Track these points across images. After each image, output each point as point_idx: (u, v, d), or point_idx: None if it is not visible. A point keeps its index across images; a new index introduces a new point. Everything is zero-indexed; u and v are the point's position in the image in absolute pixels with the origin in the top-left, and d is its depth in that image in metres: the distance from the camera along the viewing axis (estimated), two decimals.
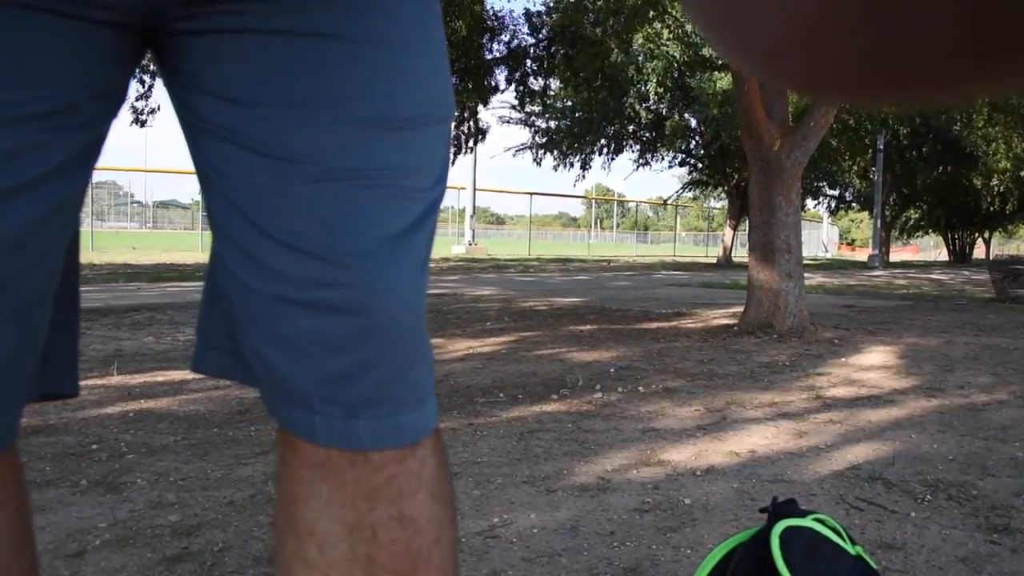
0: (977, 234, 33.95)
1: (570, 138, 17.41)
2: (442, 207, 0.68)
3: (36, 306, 0.60)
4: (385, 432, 0.61)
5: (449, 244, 23.00)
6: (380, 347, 0.60)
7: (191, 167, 0.65)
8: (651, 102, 16.04)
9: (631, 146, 18.41)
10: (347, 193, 0.59)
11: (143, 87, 9.74)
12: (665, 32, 12.50)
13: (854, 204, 28.89)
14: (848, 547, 0.94)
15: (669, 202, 27.54)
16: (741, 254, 18.16)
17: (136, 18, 0.58)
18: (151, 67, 8.51)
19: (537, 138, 17.77)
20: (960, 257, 32.55)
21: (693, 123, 17.73)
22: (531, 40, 11.17)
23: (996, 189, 23.23)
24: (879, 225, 21.25)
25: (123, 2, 0.57)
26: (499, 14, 11.10)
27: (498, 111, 37.35)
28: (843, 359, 4.25)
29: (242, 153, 0.59)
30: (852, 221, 55.85)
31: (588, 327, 5.47)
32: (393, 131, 0.60)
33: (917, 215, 31.71)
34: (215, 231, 0.63)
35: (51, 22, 0.54)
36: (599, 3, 9.16)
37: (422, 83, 0.62)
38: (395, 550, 0.61)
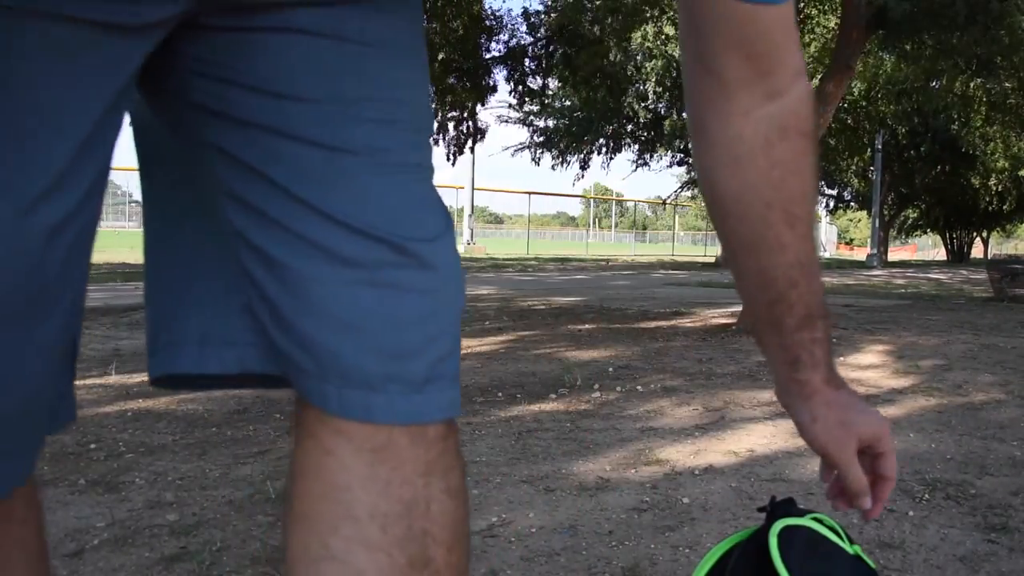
0: (975, 233, 33.95)
1: (568, 137, 17.39)
2: None
3: (71, 324, 0.58)
4: (442, 405, 0.64)
5: None
6: (442, 325, 0.64)
7: None
8: (650, 101, 16.02)
9: (629, 145, 18.40)
10: (406, 185, 0.64)
11: None
12: (671, 29, 12.45)
13: (852, 203, 28.89)
14: (846, 546, 0.94)
15: (668, 202, 27.54)
16: None
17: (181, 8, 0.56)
18: None
19: (535, 137, 17.75)
20: (958, 256, 32.55)
21: None
22: (529, 39, 11.17)
23: (994, 188, 23.22)
24: (877, 224, 21.26)
25: None
26: (497, 13, 11.10)
27: (496, 111, 37.38)
28: (841, 358, 4.25)
29: (295, 145, 0.61)
30: (850, 220, 55.86)
31: (586, 326, 5.47)
32: (419, 134, 0.66)
33: (915, 214, 31.70)
34: (246, 220, 0.62)
35: (87, 32, 0.52)
36: (597, 2, 9.14)
37: (427, 96, 0.69)
38: (444, 521, 0.65)
